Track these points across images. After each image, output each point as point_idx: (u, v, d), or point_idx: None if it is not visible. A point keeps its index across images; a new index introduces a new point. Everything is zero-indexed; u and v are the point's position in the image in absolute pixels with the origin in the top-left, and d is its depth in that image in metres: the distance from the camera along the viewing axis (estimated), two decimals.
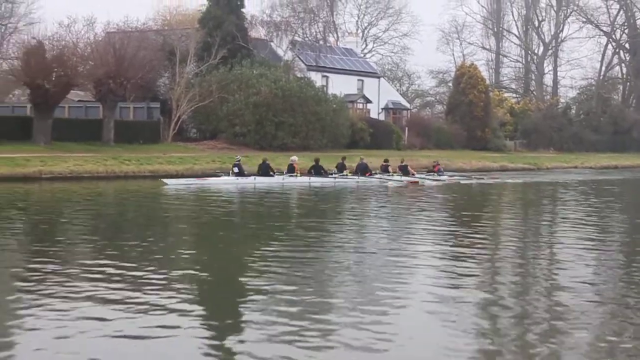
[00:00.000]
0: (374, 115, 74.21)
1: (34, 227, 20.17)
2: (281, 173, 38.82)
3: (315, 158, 41.92)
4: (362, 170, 41.13)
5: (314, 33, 70.59)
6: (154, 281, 12.31)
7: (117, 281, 12.22)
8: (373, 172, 41.94)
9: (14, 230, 19.27)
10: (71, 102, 54.82)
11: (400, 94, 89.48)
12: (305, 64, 68.99)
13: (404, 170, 42.93)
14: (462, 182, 42.76)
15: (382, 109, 78.77)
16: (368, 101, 75.19)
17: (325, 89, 65.41)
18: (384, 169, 42.59)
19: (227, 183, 35.58)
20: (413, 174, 42.84)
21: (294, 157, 40.37)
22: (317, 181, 38.44)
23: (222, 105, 55.74)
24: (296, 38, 68.50)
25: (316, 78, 66.90)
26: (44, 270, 13.14)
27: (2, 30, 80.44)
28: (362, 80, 77.57)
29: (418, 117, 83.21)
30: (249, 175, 37.39)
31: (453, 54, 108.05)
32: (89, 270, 13.10)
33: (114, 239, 17.65)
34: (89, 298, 11.00)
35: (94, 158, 39.85)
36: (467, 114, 77.36)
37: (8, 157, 38.37)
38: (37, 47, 46.47)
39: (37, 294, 11.26)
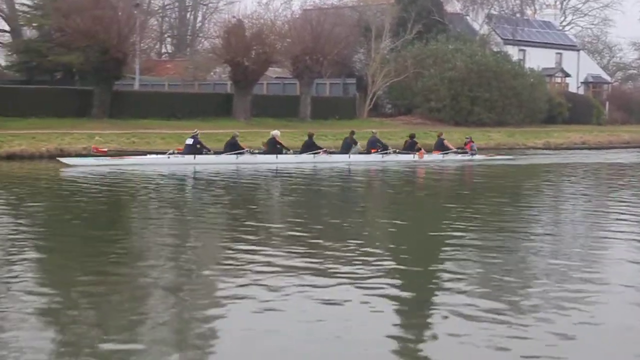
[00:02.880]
0: (572, 89, 72.20)
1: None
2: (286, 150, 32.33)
3: (308, 132, 35.10)
4: (370, 145, 34.83)
5: (511, 6, 69.32)
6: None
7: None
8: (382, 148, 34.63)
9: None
10: (269, 79, 56.04)
11: (601, 67, 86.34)
12: (502, 38, 67.63)
13: (410, 147, 35.30)
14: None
15: (581, 83, 76.43)
16: (567, 75, 73.05)
17: (522, 63, 64.03)
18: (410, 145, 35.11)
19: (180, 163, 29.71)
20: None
21: (276, 131, 33.18)
22: (307, 161, 32.19)
23: (417, 81, 55.59)
24: (492, 12, 67.40)
25: (513, 52, 65.59)
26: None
27: (204, 10, 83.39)
28: (561, 54, 75.38)
29: (620, 90, 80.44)
30: (210, 151, 30.78)
31: None
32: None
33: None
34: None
35: (292, 133, 40.35)
36: None
37: (211, 132, 39.58)
38: (237, 26, 47.74)
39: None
